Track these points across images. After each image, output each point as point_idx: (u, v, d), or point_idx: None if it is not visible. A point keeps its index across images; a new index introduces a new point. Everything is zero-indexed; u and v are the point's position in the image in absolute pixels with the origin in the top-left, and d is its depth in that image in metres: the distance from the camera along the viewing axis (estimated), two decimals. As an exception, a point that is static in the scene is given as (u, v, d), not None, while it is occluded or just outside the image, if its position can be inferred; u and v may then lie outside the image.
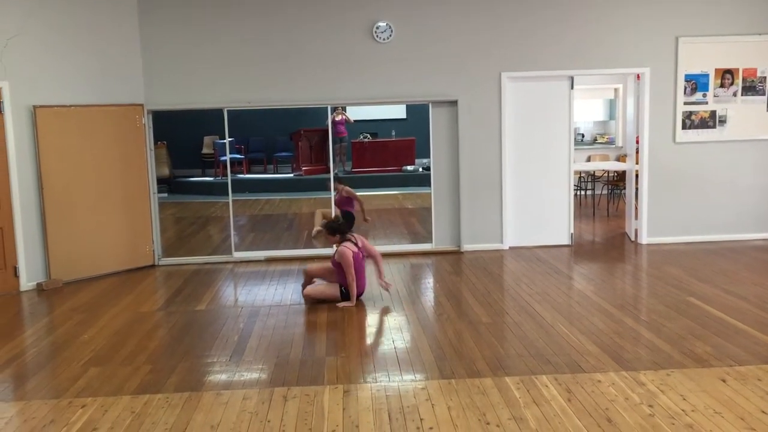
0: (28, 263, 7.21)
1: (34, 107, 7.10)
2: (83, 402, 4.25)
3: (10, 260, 7.09)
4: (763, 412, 3.81)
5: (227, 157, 8.40)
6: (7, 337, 5.62)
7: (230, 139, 8.37)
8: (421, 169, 10.78)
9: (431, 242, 8.46)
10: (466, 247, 8.38)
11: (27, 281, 7.21)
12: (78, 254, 7.47)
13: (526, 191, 8.46)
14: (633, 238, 8.74)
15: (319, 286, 6.35)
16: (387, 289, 6.50)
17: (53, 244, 7.29)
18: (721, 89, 8.34)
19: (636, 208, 8.72)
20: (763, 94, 8.36)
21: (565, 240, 8.57)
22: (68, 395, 4.37)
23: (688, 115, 8.36)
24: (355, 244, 6.25)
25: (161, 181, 8.84)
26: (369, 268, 6.50)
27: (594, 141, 13.37)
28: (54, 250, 7.30)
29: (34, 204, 7.21)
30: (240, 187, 11.12)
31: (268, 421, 3.90)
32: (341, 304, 6.16)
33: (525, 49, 8.18)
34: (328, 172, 8.61)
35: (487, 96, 8.22)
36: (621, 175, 11.02)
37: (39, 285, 7.22)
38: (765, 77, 8.33)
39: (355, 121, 11.44)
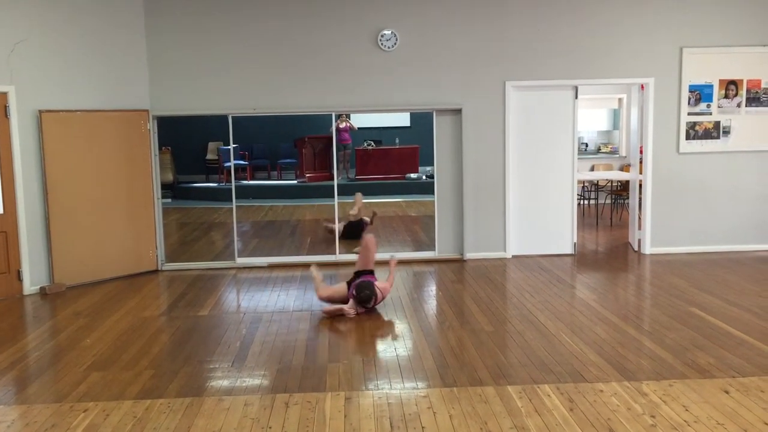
0: (32, 267, 7.22)
1: (40, 112, 7.13)
2: (85, 406, 4.26)
3: (14, 264, 7.10)
4: (765, 423, 3.80)
5: (231, 163, 8.42)
6: (9, 340, 5.63)
7: (234, 146, 8.39)
8: (424, 177, 10.79)
9: (434, 250, 8.46)
10: (469, 255, 8.37)
11: (30, 285, 7.22)
12: (82, 259, 7.48)
13: (529, 200, 8.47)
14: (636, 248, 8.72)
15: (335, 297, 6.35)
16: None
17: (57, 248, 7.31)
18: (725, 100, 8.34)
19: (639, 217, 8.71)
20: (767, 105, 8.36)
21: (568, 249, 8.56)
22: (70, 399, 4.37)
23: (692, 126, 8.36)
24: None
25: (165, 187, 8.86)
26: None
27: (598, 150, 13.38)
28: (58, 254, 7.32)
29: (39, 208, 7.24)
30: (244, 193, 11.14)
31: (270, 428, 3.90)
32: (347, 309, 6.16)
33: (529, 58, 8.20)
34: (332, 179, 8.63)
35: (491, 104, 8.23)
36: (624, 185, 11.02)
37: (42, 289, 7.23)
38: (769, 88, 8.34)
39: (359, 128, 11.46)
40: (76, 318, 6.25)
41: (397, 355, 5.08)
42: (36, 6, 7.11)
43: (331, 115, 8.37)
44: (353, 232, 8.86)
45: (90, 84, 7.53)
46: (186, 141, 12.31)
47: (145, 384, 4.61)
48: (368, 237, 6.57)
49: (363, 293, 6.03)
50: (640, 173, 8.68)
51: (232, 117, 8.13)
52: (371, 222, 9.57)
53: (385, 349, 5.26)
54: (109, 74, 7.69)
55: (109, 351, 5.31)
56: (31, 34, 7.07)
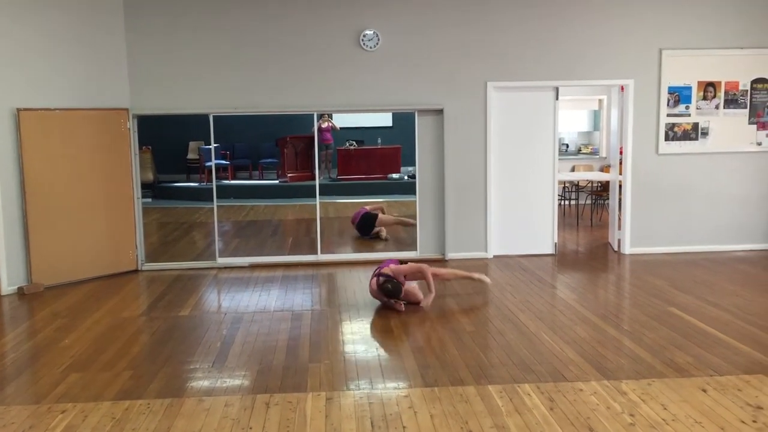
0: (10, 267, 7.14)
1: (18, 110, 7.05)
2: (63, 407, 4.21)
3: (-10, 264, 7.03)
4: (742, 422, 3.85)
5: (212, 163, 8.38)
6: (-14, 341, 5.56)
7: (216, 145, 8.35)
8: (406, 177, 10.79)
9: (416, 250, 8.47)
10: (451, 255, 8.40)
11: (8, 285, 7.14)
12: (60, 258, 7.41)
13: (510, 200, 8.50)
14: (616, 248, 8.79)
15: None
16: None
17: (35, 248, 7.23)
18: (703, 102, 8.44)
19: (619, 218, 8.78)
20: (745, 107, 8.46)
21: (548, 249, 8.61)
22: (48, 401, 4.33)
23: (671, 127, 8.45)
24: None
25: (145, 186, 8.78)
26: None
27: (578, 151, 13.46)
28: (36, 254, 7.24)
29: (17, 207, 7.15)
30: (225, 193, 11.08)
31: (250, 428, 3.89)
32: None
33: (511, 59, 8.24)
34: (314, 179, 8.61)
35: (472, 105, 8.26)
36: (604, 186, 11.10)
37: (20, 289, 7.15)
38: (747, 90, 8.44)
39: (341, 128, 11.44)
40: (55, 318, 6.19)
41: (378, 355, 5.08)
42: (14, 3, 7.02)
43: (313, 114, 8.36)
44: (366, 225, 9.49)
45: (69, 82, 7.46)
46: (166, 140, 12.21)
47: (125, 385, 4.57)
48: (425, 268, 6.51)
49: (386, 288, 6.15)
50: (620, 174, 8.75)
51: (214, 116, 8.09)
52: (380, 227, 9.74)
53: (366, 349, 5.25)
54: (89, 72, 7.62)
55: (88, 352, 5.26)
56: (10, 31, 6.99)
